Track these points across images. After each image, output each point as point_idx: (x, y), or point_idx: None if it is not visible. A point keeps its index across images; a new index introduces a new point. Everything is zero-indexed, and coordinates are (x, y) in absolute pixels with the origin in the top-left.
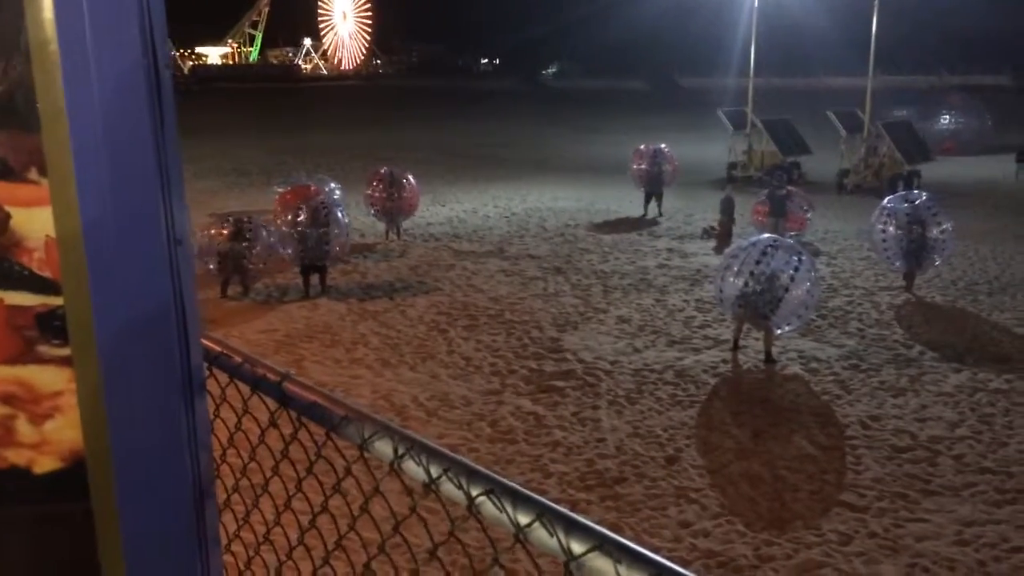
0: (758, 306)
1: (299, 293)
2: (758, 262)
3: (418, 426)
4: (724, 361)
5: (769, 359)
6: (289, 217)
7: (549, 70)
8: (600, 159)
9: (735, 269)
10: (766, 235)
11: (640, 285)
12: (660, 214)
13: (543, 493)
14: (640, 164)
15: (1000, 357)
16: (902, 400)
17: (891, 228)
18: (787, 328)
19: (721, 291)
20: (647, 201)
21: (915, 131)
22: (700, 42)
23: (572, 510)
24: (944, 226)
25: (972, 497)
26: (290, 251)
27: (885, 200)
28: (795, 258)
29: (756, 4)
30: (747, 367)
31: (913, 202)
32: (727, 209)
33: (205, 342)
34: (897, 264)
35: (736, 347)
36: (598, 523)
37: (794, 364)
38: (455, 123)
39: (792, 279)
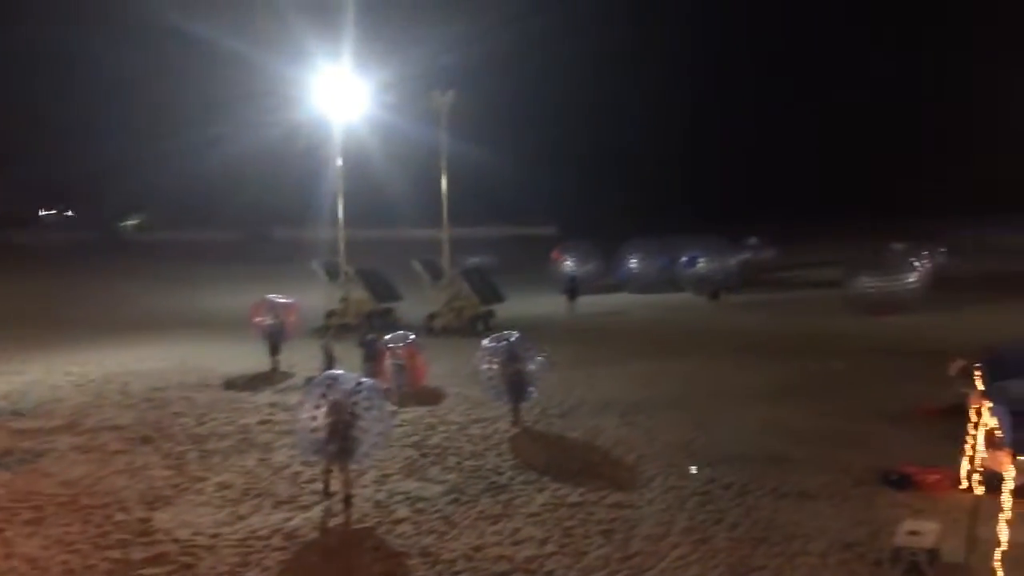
0: (342, 449)
1: None
2: (322, 395)
3: None
4: (334, 515)
5: (347, 500)
6: None
7: (130, 221)
8: (192, 313)
9: (306, 407)
10: (327, 374)
11: (241, 445)
12: (276, 366)
13: None
14: (263, 317)
15: (574, 473)
16: (499, 526)
17: (494, 366)
18: (367, 463)
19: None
20: (273, 354)
21: (488, 275)
22: (292, 195)
23: None
24: (538, 359)
25: None
26: None
27: (485, 341)
28: (356, 386)
29: (340, 163)
30: (357, 517)
31: (509, 341)
32: (326, 358)
33: None
34: (503, 399)
35: (328, 494)
36: None
37: (402, 506)
38: (14, 283)
39: (366, 408)
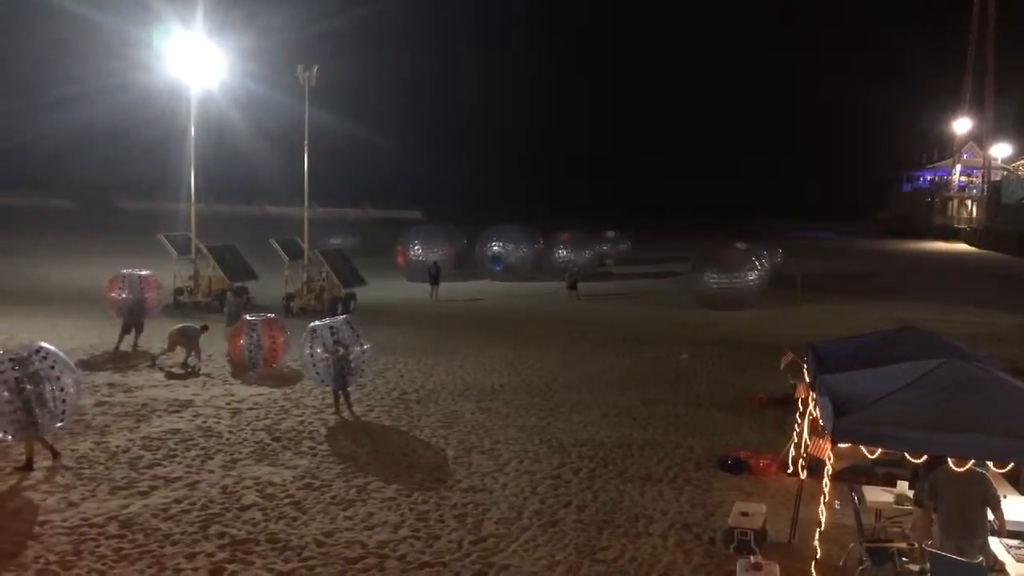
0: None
1: None
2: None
3: None
4: (176, 501)
5: (28, 465)
6: None
7: None
8: (28, 287)
9: None
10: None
11: (76, 428)
12: (136, 345)
13: None
14: (120, 292)
15: (430, 458)
16: (352, 511)
17: (318, 349)
18: (59, 426)
19: None
20: (124, 332)
21: (348, 257)
22: (139, 163)
23: None
24: (365, 346)
25: None
26: None
27: (311, 323)
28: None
29: (193, 133)
30: (202, 502)
31: (335, 325)
32: (178, 337)
33: None
34: (329, 384)
35: (30, 467)
36: None
37: (250, 492)
38: None
39: (45, 378)
